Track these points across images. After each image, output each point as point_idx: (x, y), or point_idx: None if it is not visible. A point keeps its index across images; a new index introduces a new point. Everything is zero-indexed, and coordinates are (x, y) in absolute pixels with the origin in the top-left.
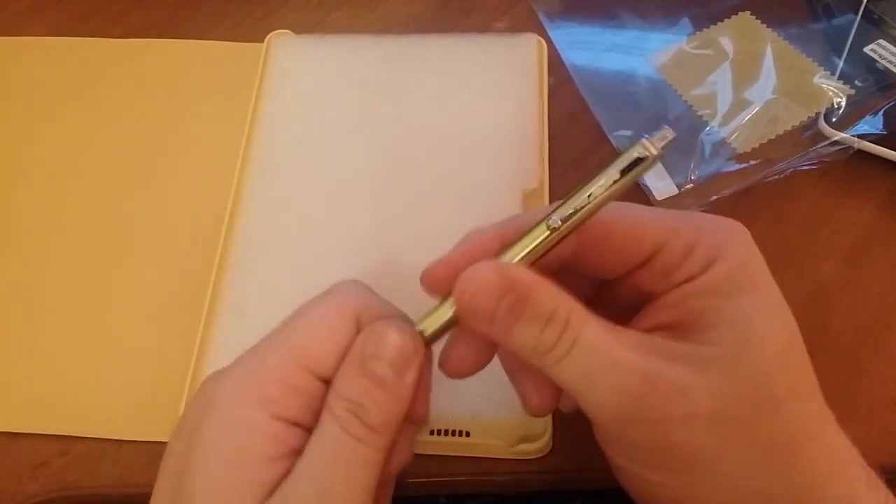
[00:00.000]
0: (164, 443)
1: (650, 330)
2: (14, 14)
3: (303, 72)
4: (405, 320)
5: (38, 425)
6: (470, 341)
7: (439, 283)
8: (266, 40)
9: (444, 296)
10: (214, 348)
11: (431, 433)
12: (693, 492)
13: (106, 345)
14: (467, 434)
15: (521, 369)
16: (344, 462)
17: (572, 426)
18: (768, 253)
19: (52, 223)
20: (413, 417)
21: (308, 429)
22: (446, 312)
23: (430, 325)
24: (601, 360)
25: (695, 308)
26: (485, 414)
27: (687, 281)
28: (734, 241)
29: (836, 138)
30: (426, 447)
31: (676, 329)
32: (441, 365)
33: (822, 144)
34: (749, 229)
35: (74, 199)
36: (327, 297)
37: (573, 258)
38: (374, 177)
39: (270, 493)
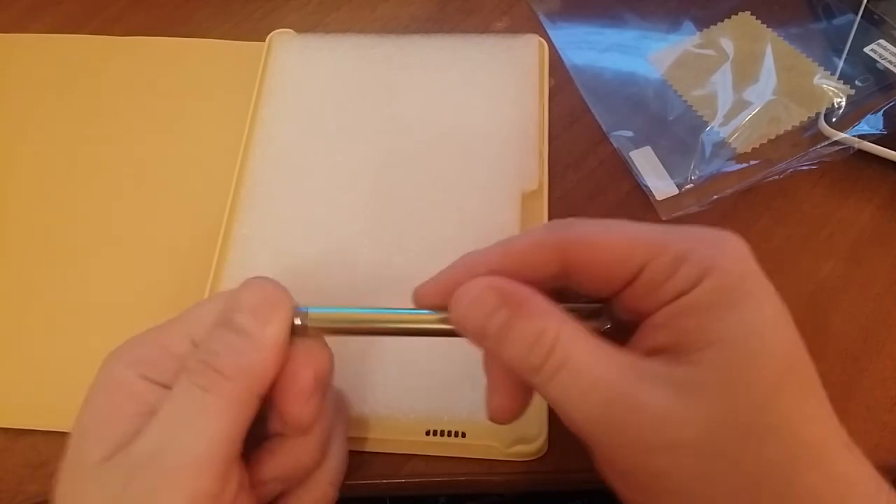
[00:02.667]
0: None
1: (648, 352)
2: (16, 13)
3: (304, 71)
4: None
5: (38, 422)
6: (503, 392)
7: (430, 299)
8: (268, 39)
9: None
10: None
11: (427, 434)
12: None
13: (106, 340)
14: (463, 435)
15: (495, 369)
16: (189, 413)
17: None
18: (768, 253)
19: (51, 219)
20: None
21: None
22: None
23: (324, 319)
24: (587, 385)
25: (686, 327)
26: (481, 415)
27: (677, 297)
28: (726, 253)
29: (836, 138)
30: (422, 447)
31: (671, 351)
32: (490, 417)
33: (823, 144)
34: (749, 229)
35: (74, 196)
36: (233, 290)
37: (563, 276)
38: (373, 176)
39: (120, 447)
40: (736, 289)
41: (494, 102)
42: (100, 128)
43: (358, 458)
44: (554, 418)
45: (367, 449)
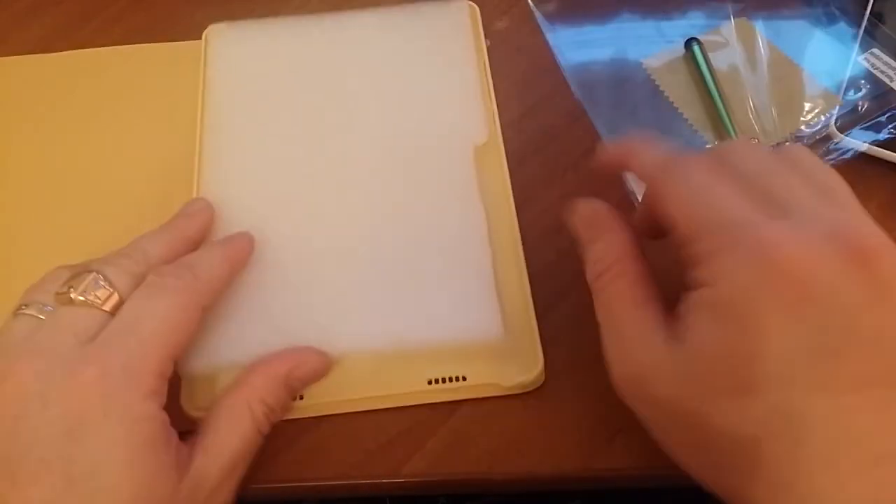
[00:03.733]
0: None
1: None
2: (15, 13)
3: (243, 60)
4: None
5: None
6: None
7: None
8: (203, 35)
9: None
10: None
11: (429, 383)
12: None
13: None
14: (464, 378)
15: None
16: (250, 452)
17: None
18: None
19: (28, 227)
20: None
21: None
22: None
23: None
24: (607, 317)
25: (687, 309)
26: (479, 357)
27: (694, 284)
28: (740, 273)
29: (837, 141)
30: (425, 396)
31: (680, 321)
32: None
33: (824, 150)
34: None
35: (48, 204)
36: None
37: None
38: (328, 154)
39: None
40: (725, 309)
41: (433, 66)
42: (63, 141)
43: (356, 456)
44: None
45: (372, 407)
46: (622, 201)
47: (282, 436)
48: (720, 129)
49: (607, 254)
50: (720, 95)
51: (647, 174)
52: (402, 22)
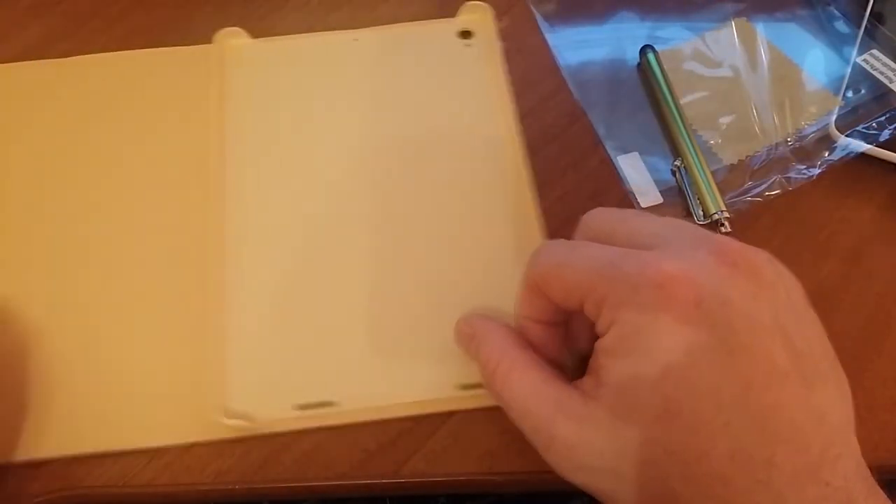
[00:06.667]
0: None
1: (589, 371)
2: (16, 13)
3: (259, 77)
4: None
5: (49, 449)
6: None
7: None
8: (217, 45)
9: None
10: (223, 350)
11: (463, 388)
12: None
13: (105, 361)
14: None
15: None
16: None
17: None
18: (768, 252)
19: (41, 243)
20: None
21: None
22: None
23: None
24: (518, 413)
25: (597, 364)
26: None
27: (601, 336)
28: (633, 303)
29: (836, 141)
30: (458, 403)
31: (594, 375)
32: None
33: (823, 151)
34: (748, 229)
35: (66, 220)
36: None
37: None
38: (353, 163)
39: None
40: (631, 339)
41: (452, 73)
42: (73, 149)
43: (356, 456)
44: None
45: (407, 413)
46: (622, 201)
47: (282, 436)
48: (677, 138)
49: (492, 353)
50: (675, 104)
51: (528, 282)
52: (419, 37)
